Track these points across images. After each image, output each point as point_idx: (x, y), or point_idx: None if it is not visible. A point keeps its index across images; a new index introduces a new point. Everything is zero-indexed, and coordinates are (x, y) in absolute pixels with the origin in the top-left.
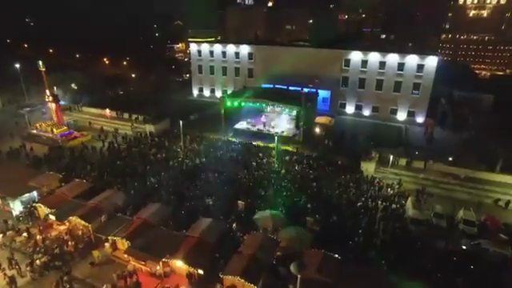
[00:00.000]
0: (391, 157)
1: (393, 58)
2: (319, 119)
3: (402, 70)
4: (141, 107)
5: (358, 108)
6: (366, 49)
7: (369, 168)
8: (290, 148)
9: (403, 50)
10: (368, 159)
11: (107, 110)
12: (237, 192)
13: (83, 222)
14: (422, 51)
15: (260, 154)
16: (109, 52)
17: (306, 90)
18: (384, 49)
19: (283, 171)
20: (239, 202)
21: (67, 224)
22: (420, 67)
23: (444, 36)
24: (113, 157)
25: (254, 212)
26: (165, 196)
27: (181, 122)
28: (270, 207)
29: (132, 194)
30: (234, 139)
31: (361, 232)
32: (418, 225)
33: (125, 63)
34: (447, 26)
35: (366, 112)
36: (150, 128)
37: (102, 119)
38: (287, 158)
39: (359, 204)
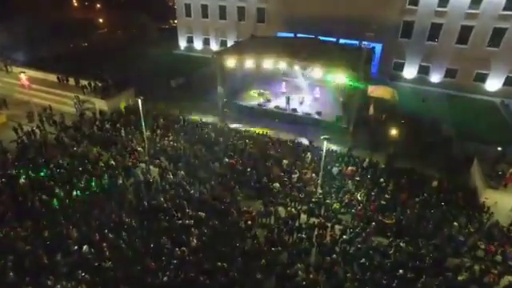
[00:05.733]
0: None
1: None
2: (375, 90)
3: (510, 10)
4: (101, 67)
5: (423, 71)
6: None
7: (502, 200)
8: (332, 144)
9: None
10: (503, 184)
11: (22, 75)
12: None
13: None
14: None
15: (284, 161)
16: None
17: (342, 41)
18: None
19: (335, 206)
20: None
21: None
22: None
23: None
24: (17, 168)
25: None
26: None
27: (139, 101)
28: None
29: None
30: (236, 125)
31: None
32: None
33: (98, 6)
34: None
35: (435, 77)
36: (100, 104)
37: (42, 87)
38: (336, 169)
39: None
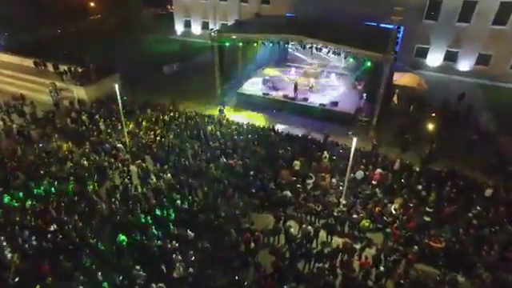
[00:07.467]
0: None
1: None
2: (400, 78)
3: None
4: (83, 51)
5: (450, 58)
6: None
7: None
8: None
9: None
10: None
11: None
12: None
13: None
14: None
15: (296, 162)
16: None
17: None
18: None
19: (364, 223)
20: None
21: None
22: None
23: None
24: None
25: None
26: None
27: (116, 86)
28: None
29: None
30: (238, 118)
31: None
32: None
33: None
34: None
35: (465, 65)
36: (78, 92)
37: (15, 73)
38: (360, 172)
39: None
